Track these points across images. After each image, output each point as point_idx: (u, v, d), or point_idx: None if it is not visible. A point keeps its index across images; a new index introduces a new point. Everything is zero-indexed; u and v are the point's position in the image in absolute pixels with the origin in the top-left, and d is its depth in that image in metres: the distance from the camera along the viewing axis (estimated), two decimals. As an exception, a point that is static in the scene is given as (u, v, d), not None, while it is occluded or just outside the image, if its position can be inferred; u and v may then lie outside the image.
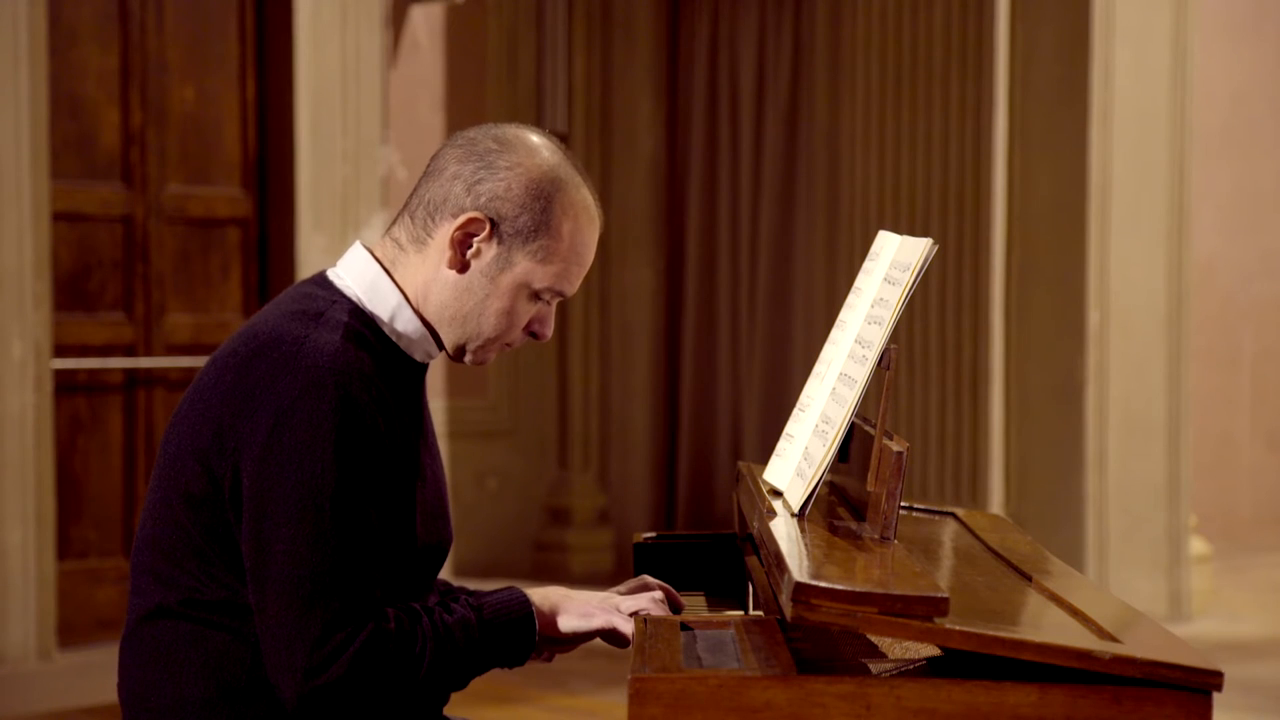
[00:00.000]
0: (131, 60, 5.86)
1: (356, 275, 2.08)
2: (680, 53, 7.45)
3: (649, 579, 2.24)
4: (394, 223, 2.12)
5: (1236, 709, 4.85)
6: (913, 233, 2.19)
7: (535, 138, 2.10)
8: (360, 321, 2.04)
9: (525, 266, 2.06)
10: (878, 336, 2.05)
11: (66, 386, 5.66)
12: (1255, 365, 8.36)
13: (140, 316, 5.90)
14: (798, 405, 2.24)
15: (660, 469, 7.51)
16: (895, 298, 2.05)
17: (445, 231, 2.06)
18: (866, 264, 2.21)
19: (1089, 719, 1.68)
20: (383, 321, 2.06)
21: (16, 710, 5.13)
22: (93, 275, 5.80)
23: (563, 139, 7.33)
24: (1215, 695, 1.70)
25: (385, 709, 1.95)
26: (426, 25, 6.93)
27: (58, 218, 5.58)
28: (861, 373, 2.06)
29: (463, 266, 2.06)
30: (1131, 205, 6.21)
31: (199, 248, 6.04)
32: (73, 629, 5.60)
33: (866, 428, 2.07)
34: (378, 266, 2.08)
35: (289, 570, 1.91)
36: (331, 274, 2.10)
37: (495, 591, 2.08)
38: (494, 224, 2.04)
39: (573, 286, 2.11)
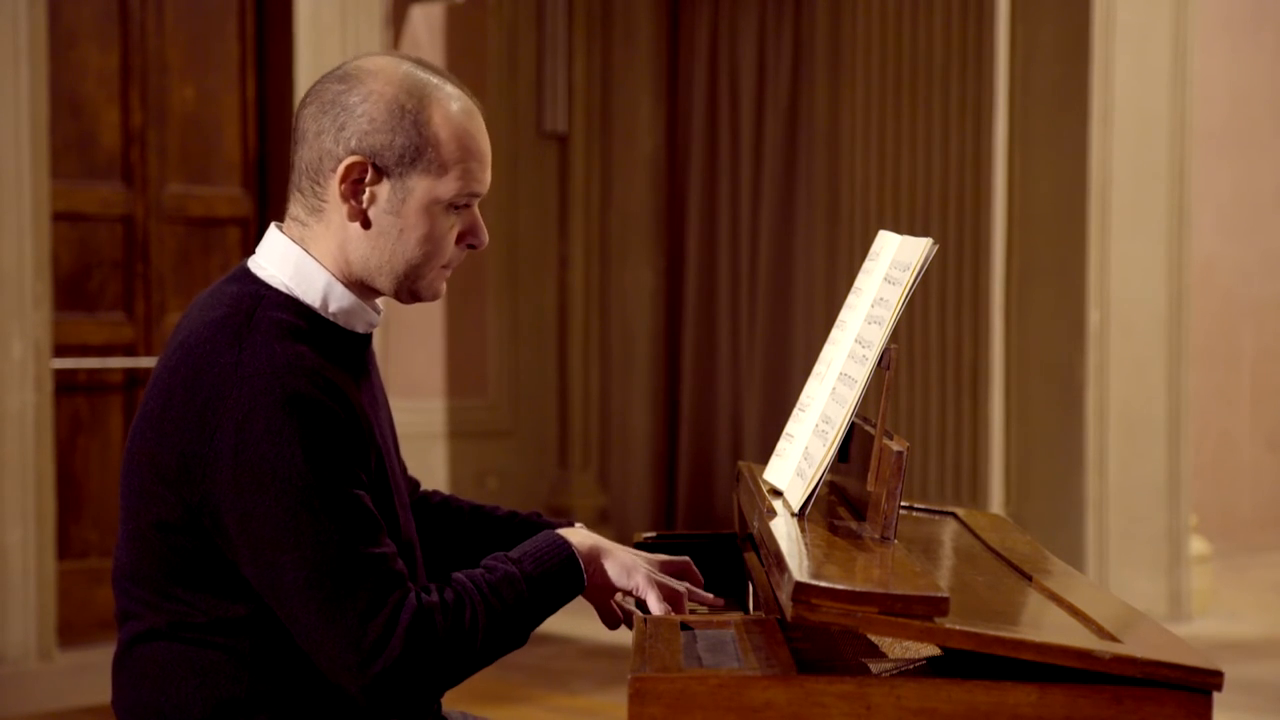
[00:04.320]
0: (131, 60, 5.86)
1: (279, 262, 2.02)
2: (680, 53, 7.44)
3: (691, 565, 2.19)
4: (288, 201, 2.06)
5: (1236, 709, 4.85)
6: (913, 233, 2.19)
7: (378, 59, 2.04)
8: (292, 313, 1.98)
9: (424, 186, 2.00)
10: (878, 336, 2.05)
11: (66, 386, 5.66)
12: (1255, 365, 8.36)
13: (140, 316, 5.90)
14: (798, 405, 2.24)
15: (660, 469, 7.50)
16: (895, 297, 2.05)
17: (333, 189, 2.00)
18: (866, 264, 2.21)
19: (1089, 718, 1.68)
20: (315, 306, 2.01)
21: (16, 710, 5.13)
22: (93, 275, 5.80)
23: (562, 139, 7.40)
24: (1215, 695, 1.70)
25: (451, 680, 1.92)
26: (426, 25, 6.93)
27: (58, 218, 5.58)
28: (861, 372, 2.06)
29: (364, 216, 2.00)
30: (1131, 205, 6.21)
31: (199, 248, 6.04)
32: (73, 629, 5.60)
33: (866, 427, 2.07)
34: (298, 248, 2.02)
35: (304, 578, 1.87)
36: (253, 265, 2.04)
37: (530, 541, 2.03)
38: (373, 161, 1.98)
39: (482, 184, 2.04)
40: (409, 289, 2.05)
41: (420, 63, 2.05)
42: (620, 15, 7.41)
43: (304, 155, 2.02)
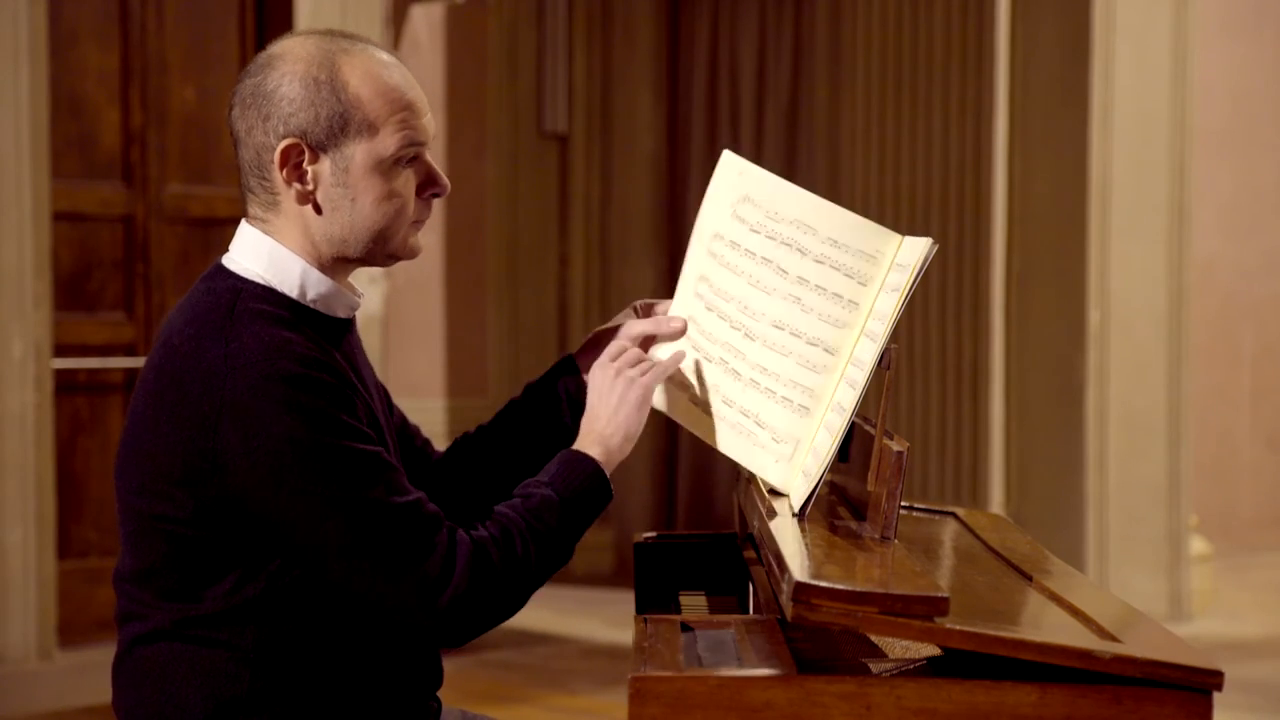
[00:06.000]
0: (131, 60, 5.86)
1: (252, 255, 2.02)
2: (680, 53, 7.45)
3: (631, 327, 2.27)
4: (246, 205, 2.05)
5: (1237, 709, 4.85)
6: (913, 233, 2.18)
7: (286, 41, 2.03)
8: (273, 303, 1.97)
9: (362, 150, 1.98)
10: (879, 333, 2.05)
11: (67, 386, 5.66)
12: (1256, 365, 8.36)
13: (140, 316, 5.90)
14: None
15: (660, 469, 7.50)
16: (895, 297, 2.05)
17: (279, 179, 1.99)
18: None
19: (1089, 718, 1.68)
20: (294, 295, 2.00)
21: (16, 710, 5.13)
22: (93, 275, 5.80)
23: (562, 139, 7.39)
24: (1215, 695, 1.70)
25: (515, 605, 1.97)
26: (426, 25, 6.93)
27: (58, 218, 5.58)
28: (862, 373, 2.06)
29: (313, 198, 1.99)
30: (1131, 205, 6.21)
31: (199, 248, 6.04)
32: (73, 629, 5.60)
33: (867, 427, 2.07)
34: (270, 240, 2.01)
35: (350, 543, 1.89)
36: (227, 261, 2.03)
37: (557, 465, 2.06)
38: (306, 141, 1.97)
39: (421, 132, 2.02)
40: (383, 252, 2.04)
41: (331, 32, 2.04)
42: (620, 15, 7.41)
43: (244, 156, 2.02)
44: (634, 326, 2.26)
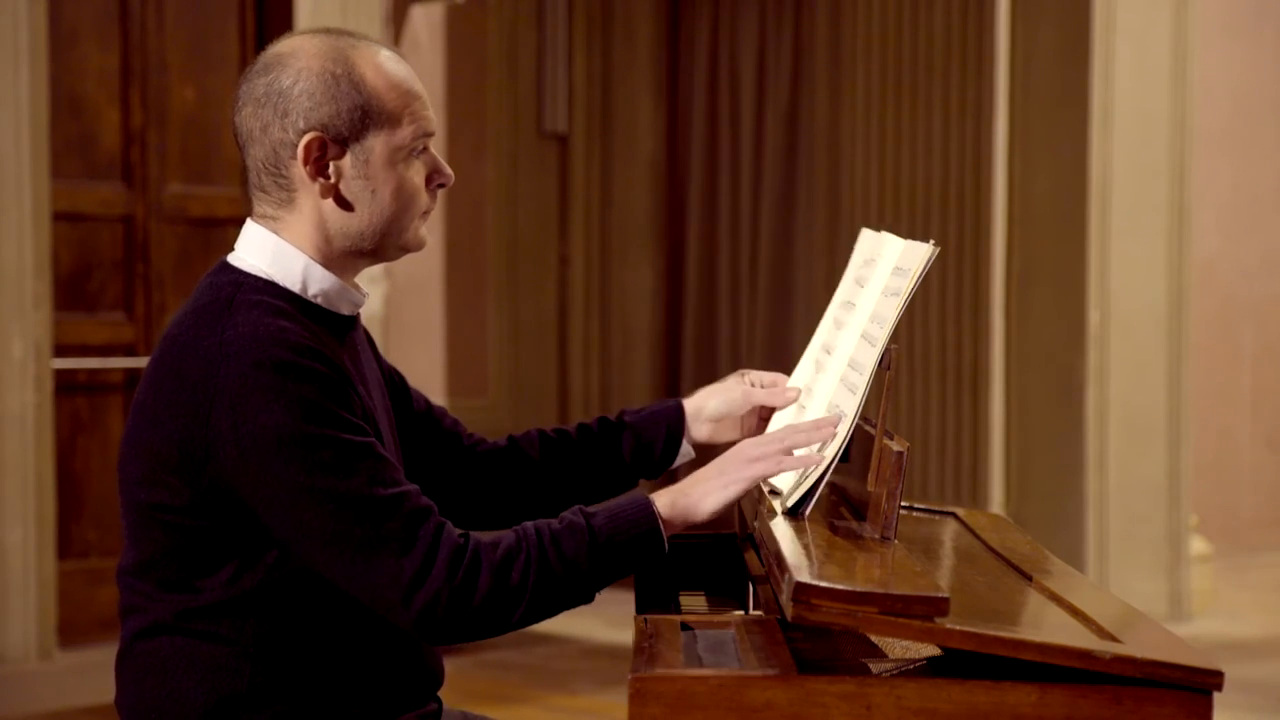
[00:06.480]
0: (131, 60, 5.86)
1: (256, 251, 2.03)
2: (680, 53, 7.44)
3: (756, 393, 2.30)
4: (253, 204, 2.06)
5: (1237, 709, 4.85)
6: (913, 233, 2.20)
7: (289, 41, 2.05)
8: (273, 295, 1.98)
9: (381, 142, 2.00)
10: (879, 337, 2.06)
11: (67, 386, 5.67)
12: (1256, 365, 8.36)
13: (140, 316, 5.90)
14: (798, 405, 2.24)
15: (660, 469, 7.49)
16: (895, 301, 2.05)
17: (299, 174, 2.00)
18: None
19: (1089, 718, 1.68)
20: (295, 290, 2.01)
21: (16, 710, 5.13)
22: (93, 275, 5.80)
23: (562, 139, 7.39)
24: (1215, 695, 1.70)
25: (503, 621, 1.93)
26: (427, 25, 6.93)
27: (58, 218, 5.58)
28: (860, 376, 2.06)
29: (336, 191, 2.01)
30: (1131, 205, 6.21)
31: (199, 248, 6.04)
32: (73, 629, 5.60)
33: (867, 428, 2.07)
34: (274, 236, 2.02)
35: (331, 531, 1.89)
36: (232, 258, 2.05)
37: (617, 500, 2.02)
38: (328, 135, 1.99)
39: (431, 122, 2.05)
40: (395, 244, 2.06)
41: (329, 30, 2.06)
42: (620, 15, 7.42)
43: (256, 154, 2.02)
44: (753, 396, 2.29)
